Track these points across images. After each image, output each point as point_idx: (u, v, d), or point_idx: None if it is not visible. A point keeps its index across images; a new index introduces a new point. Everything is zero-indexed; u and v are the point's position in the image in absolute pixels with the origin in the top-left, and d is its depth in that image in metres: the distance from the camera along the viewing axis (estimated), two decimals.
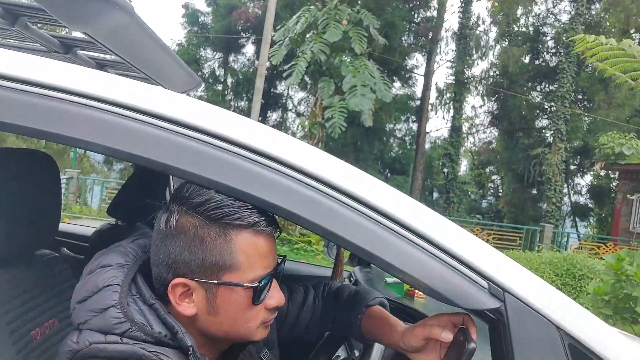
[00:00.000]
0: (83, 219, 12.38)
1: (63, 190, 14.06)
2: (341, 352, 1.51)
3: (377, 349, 1.17)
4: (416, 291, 1.87)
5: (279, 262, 0.96)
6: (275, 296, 0.93)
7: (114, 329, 0.82)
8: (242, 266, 0.87)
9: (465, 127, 23.51)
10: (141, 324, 0.84)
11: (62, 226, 2.45)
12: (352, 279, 2.24)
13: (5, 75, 0.87)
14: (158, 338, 0.84)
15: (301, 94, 21.73)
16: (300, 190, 0.86)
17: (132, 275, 0.90)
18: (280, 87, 21.65)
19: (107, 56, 1.59)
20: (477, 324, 0.93)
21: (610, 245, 15.17)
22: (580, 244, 18.20)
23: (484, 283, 0.87)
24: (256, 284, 0.87)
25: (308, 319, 1.24)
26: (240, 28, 21.73)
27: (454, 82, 21.65)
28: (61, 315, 1.27)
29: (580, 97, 20.74)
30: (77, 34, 1.36)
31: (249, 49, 22.84)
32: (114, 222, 2.04)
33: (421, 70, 21.92)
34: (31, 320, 1.15)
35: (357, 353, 1.34)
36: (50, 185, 1.25)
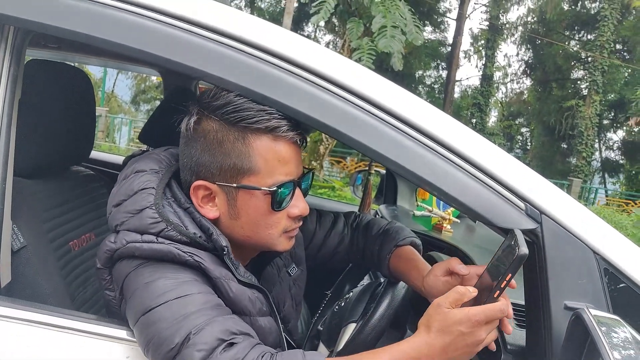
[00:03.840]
0: None
1: None
2: (366, 279, 1.53)
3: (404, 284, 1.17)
4: (444, 225, 1.87)
5: (305, 173, 0.95)
6: (298, 205, 0.93)
7: (149, 229, 0.84)
8: (261, 170, 0.87)
9: (497, 76, 22.80)
10: (176, 224, 0.86)
11: (95, 154, 2.49)
12: (377, 216, 2.25)
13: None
14: (193, 238, 0.86)
15: (328, 37, 21.20)
16: (336, 103, 0.84)
17: (167, 180, 0.92)
18: (308, 29, 21.15)
19: None
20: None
21: (639, 202, 14.87)
22: (607, 200, 17.91)
23: (521, 204, 0.85)
24: (274, 189, 0.87)
25: (335, 244, 1.25)
26: None
27: (487, 28, 20.81)
28: (97, 230, 1.31)
29: (620, 47, 19.75)
30: None
31: None
32: (145, 149, 2.06)
33: (454, 14, 21.04)
34: (69, 232, 1.19)
35: (382, 280, 1.36)
36: (83, 100, 1.26)
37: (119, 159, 2.49)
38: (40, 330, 0.84)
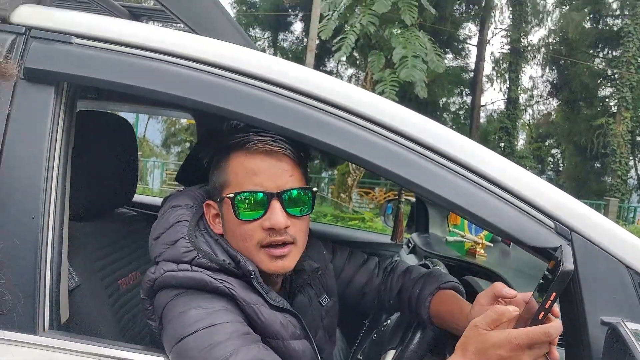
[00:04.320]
0: None
1: None
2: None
3: None
4: (477, 249, 1.87)
5: (302, 191, 0.97)
6: (271, 218, 0.93)
7: (183, 257, 0.92)
8: (232, 183, 0.95)
9: (522, 98, 22.60)
10: (207, 251, 0.93)
11: (135, 197, 2.60)
12: (410, 245, 2.26)
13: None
14: (222, 265, 0.93)
15: (350, 71, 21.51)
16: (365, 136, 0.90)
17: (200, 213, 1.00)
18: (330, 65, 21.54)
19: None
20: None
21: None
22: None
23: (551, 223, 0.87)
24: (231, 196, 0.93)
25: (363, 283, 1.25)
26: (288, 5, 21.72)
27: (509, 52, 20.80)
28: (142, 269, 1.38)
29: None
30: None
31: (298, 27, 22.79)
32: (182, 189, 2.15)
33: (474, 40, 21.14)
34: (118, 270, 1.26)
35: None
36: (127, 147, 1.35)
37: (157, 200, 2.59)
38: None
